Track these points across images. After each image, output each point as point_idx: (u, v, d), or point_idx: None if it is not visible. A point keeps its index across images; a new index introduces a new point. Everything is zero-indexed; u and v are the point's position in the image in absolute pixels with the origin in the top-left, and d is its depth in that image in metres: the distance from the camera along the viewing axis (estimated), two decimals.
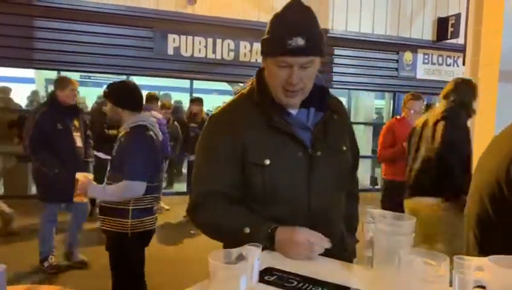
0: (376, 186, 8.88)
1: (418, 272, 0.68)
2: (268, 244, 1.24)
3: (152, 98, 6.21)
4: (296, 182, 1.36)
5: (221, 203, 1.38)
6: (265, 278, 1.02)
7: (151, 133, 2.68)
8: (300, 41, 1.26)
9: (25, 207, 6.34)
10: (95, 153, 5.88)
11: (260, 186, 1.35)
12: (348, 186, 1.58)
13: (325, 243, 1.24)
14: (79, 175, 2.62)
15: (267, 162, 1.34)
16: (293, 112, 1.42)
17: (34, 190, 7.60)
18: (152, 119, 2.82)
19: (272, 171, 1.34)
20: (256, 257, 0.94)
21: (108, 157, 5.53)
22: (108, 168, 2.68)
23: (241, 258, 0.89)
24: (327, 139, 1.42)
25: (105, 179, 2.65)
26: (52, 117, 4.04)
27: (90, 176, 2.69)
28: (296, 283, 1.00)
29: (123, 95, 2.70)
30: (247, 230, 1.27)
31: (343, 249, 1.47)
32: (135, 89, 2.77)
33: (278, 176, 1.35)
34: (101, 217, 2.64)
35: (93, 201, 6.08)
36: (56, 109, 4.08)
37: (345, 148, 1.49)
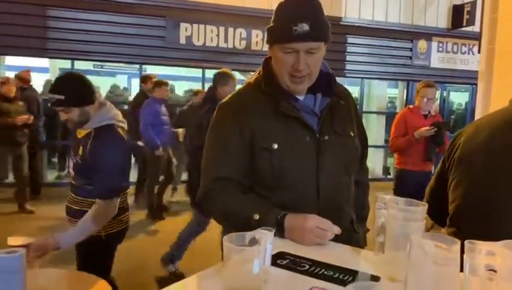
0: (388, 176, 8.85)
1: (429, 255, 0.69)
2: (278, 231, 1.25)
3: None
4: (304, 167, 1.39)
5: (231, 191, 1.40)
6: (278, 261, 1.04)
7: (120, 130, 2.24)
8: (305, 26, 1.29)
9: (40, 194, 6.50)
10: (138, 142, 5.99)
11: (269, 171, 1.37)
12: (357, 175, 1.59)
13: (335, 229, 1.25)
14: (20, 239, 1.87)
15: (275, 146, 1.36)
16: (300, 97, 1.44)
17: (50, 177, 7.76)
18: (115, 112, 2.28)
19: (280, 155, 1.36)
20: (268, 241, 0.95)
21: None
22: (73, 174, 2.26)
23: (254, 241, 0.90)
24: (334, 124, 1.44)
25: (72, 183, 2.26)
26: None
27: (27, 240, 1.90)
28: (308, 266, 1.02)
29: (83, 91, 2.17)
30: (257, 217, 1.29)
31: (353, 235, 1.49)
32: (82, 76, 2.26)
33: (286, 161, 1.37)
34: (72, 219, 2.23)
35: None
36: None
37: (352, 134, 1.50)
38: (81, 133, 2.23)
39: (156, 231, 5.37)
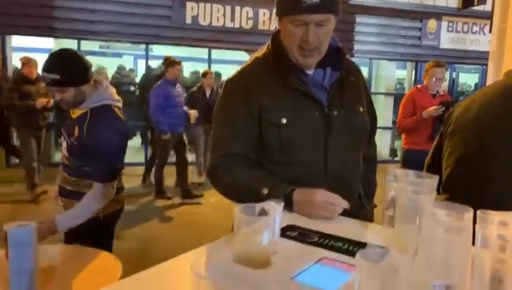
0: (396, 158, 8.82)
1: (440, 223, 0.69)
2: (286, 205, 1.25)
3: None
4: (313, 141, 1.38)
5: (240, 165, 1.39)
6: (287, 233, 1.04)
7: (117, 110, 2.18)
8: None
9: (49, 174, 6.56)
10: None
11: (277, 146, 1.36)
12: (366, 151, 1.59)
13: (344, 204, 1.25)
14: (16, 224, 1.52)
15: (284, 121, 1.35)
16: (310, 72, 1.42)
17: (58, 157, 7.82)
18: (111, 90, 2.21)
19: (289, 130, 1.35)
20: (278, 213, 0.95)
21: None
22: (67, 155, 2.19)
23: (263, 213, 0.91)
24: (343, 99, 1.43)
25: (65, 164, 2.20)
26: None
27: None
28: (317, 238, 1.02)
29: (78, 69, 2.07)
30: (265, 191, 1.29)
31: (361, 210, 1.49)
32: (77, 54, 2.20)
33: (295, 135, 1.36)
34: (65, 200, 2.20)
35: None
36: None
37: (361, 109, 1.49)
38: (75, 113, 2.15)
39: (169, 215, 5.38)
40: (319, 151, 1.38)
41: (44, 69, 2.05)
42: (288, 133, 1.36)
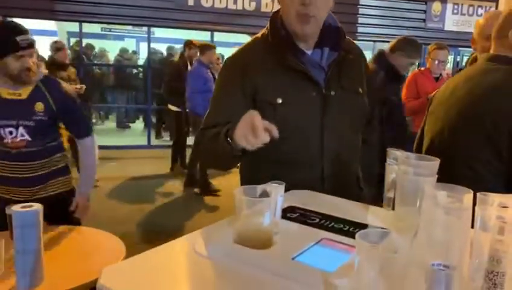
0: None
1: (441, 205, 0.69)
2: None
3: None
4: (309, 122, 1.37)
5: (212, 131, 1.34)
6: (288, 215, 1.05)
7: None
8: None
9: None
10: (170, 106, 5.95)
11: None
12: (366, 135, 1.58)
13: (265, 139, 1.12)
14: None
15: (279, 100, 1.35)
16: (308, 52, 1.41)
17: None
18: None
19: (284, 110, 1.35)
20: (279, 194, 0.96)
21: (178, 109, 5.55)
22: (27, 141, 2.05)
23: (265, 194, 0.91)
24: (341, 79, 1.42)
25: (21, 153, 2.06)
26: None
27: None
28: (318, 220, 1.03)
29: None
30: (224, 130, 1.23)
31: (358, 192, 1.50)
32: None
33: (290, 115, 1.35)
34: (41, 185, 2.15)
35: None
36: None
37: (361, 90, 1.47)
38: (25, 91, 2.05)
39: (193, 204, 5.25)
40: (315, 131, 1.37)
41: (22, 31, 2.02)
42: (284, 113, 1.35)
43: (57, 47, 5.24)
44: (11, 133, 2.02)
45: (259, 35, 1.49)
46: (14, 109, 2.03)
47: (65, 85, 2.25)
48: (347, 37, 1.48)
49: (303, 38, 1.40)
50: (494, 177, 1.38)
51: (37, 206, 1.46)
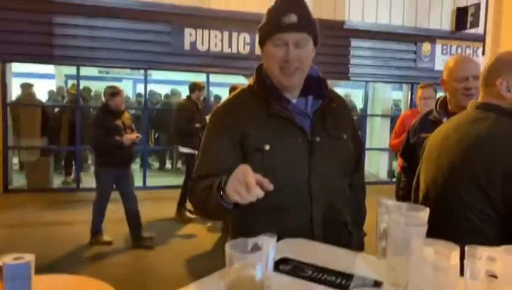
0: (393, 179, 8.82)
1: (429, 260, 0.70)
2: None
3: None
4: (296, 168, 1.40)
5: (204, 182, 1.35)
6: (281, 267, 1.04)
7: None
8: (293, 17, 1.35)
9: (48, 199, 6.54)
10: (181, 149, 5.92)
11: (260, 172, 1.34)
12: (353, 180, 1.61)
13: (259, 194, 1.12)
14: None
15: (267, 147, 1.38)
16: (293, 100, 1.47)
17: (57, 183, 7.82)
18: None
19: (272, 156, 1.38)
20: (271, 246, 0.96)
21: (195, 151, 5.53)
22: None
23: (256, 247, 0.91)
24: (326, 126, 1.46)
25: None
26: None
27: None
28: (310, 272, 1.03)
29: None
30: (216, 184, 1.23)
31: (347, 237, 1.50)
32: None
33: (278, 162, 1.38)
34: None
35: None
36: None
37: (345, 136, 1.51)
38: None
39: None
40: (303, 176, 1.40)
41: None
42: (271, 159, 1.38)
43: (115, 92, 4.74)
44: None
45: (245, 86, 1.55)
46: None
47: None
48: (330, 87, 1.54)
49: (288, 89, 1.45)
50: (490, 228, 1.35)
51: (29, 258, 1.44)
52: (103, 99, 8.46)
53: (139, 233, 4.80)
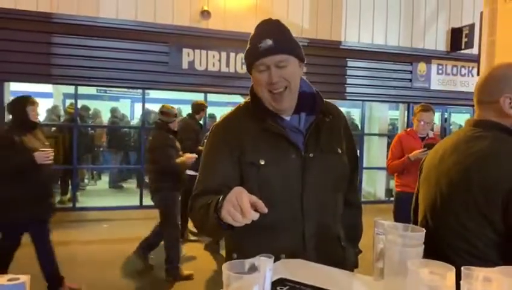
0: (391, 198, 8.80)
1: (425, 282, 0.70)
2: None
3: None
4: (290, 183, 1.42)
5: (203, 200, 1.36)
6: (278, 288, 1.04)
7: None
8: (269, 42, 1.40)
9: None
10: (188, 171, 5.32)
11: (254, 187, 1.37)
12: (348, 195, 1.62)
13: (254, 216, 1.13)
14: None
15: (262, 162, 1.41)
16: (286, 118, 1.50)
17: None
18: None
19: (267, 170, 1.41)
20: (268, 267, 0.96)
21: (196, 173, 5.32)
22: None
23: (253, 268, 0.91)
24: (320, 141, 1.48)
25: None
26: None
27: None
28: None
29: None
30: (213, 204, 1.23)
31: (340, 253, 1.51)
32: None
33: (272, 176, 1.41)
34: None
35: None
36: None
37: (340, 150, 1.53)
38: None
39: None
40: (295, 191, 1.42)
41: None
42: (266, 173, 1.41)
43: (175, 114, 4.59)
44: None
45: (241, 104, 1.59)
46: None
47: None
48: (325, 100, 1.56)
49: (281, 112, 1.48)
50: (490, 249, 1.33)
51: (24, 279, 1.43)
52: (102, 118, 8.35)
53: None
